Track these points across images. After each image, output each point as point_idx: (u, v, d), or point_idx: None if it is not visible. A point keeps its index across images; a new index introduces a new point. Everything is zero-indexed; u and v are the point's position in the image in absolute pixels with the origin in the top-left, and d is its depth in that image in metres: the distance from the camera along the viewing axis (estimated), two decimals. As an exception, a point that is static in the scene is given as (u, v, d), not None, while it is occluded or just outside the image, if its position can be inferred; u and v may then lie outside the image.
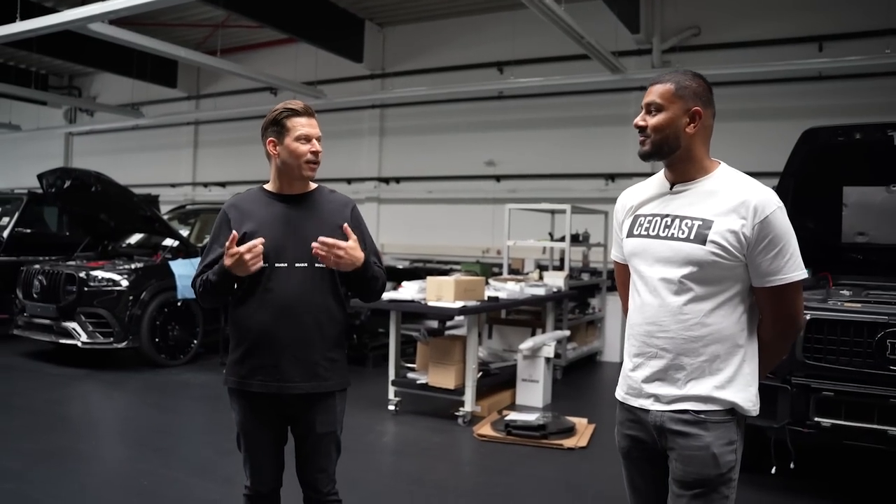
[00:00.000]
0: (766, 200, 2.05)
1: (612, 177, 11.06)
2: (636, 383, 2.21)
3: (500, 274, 8.66)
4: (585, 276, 9.06)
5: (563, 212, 8.35)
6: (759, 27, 10.04)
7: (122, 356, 8.02)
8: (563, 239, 8.45)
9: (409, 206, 12.99)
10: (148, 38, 10.31)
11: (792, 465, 4.21)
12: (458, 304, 5.81)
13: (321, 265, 2.61)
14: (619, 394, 2.32)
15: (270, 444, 2.74)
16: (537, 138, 11.79)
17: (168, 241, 8.58)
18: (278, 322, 2.60)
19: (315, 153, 2.64)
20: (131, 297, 7.62)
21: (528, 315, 8.03)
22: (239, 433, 2.75)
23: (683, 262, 2.10)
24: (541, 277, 7.88)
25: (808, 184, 4.94)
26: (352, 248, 2.57)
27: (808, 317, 4.06)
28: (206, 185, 15.16)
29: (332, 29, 12.08)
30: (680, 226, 2.12)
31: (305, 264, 2.62)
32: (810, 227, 4.95)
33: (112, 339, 7.53)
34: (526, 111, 11.87)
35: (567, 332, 7.70)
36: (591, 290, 9.17)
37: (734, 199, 2.07)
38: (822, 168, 4.93)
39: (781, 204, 2.07)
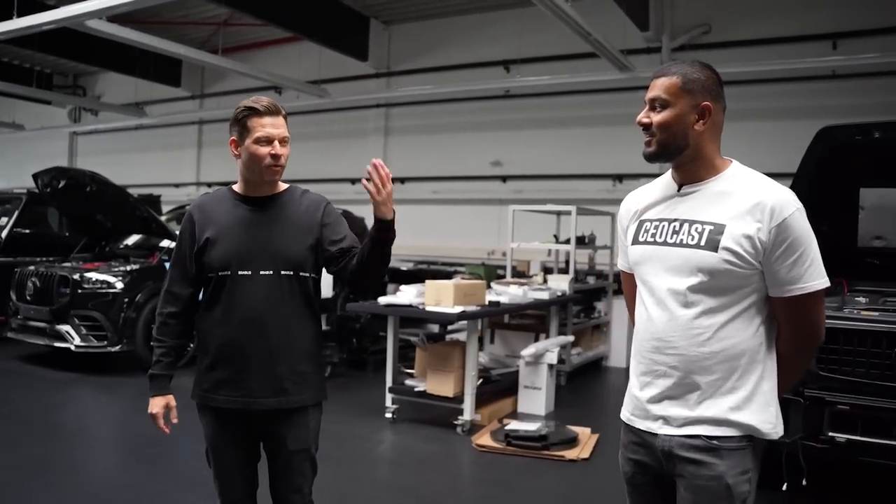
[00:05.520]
0: (784, 201, 1.86)
1: (619, 177, 10.87)
2: (643, 404, 2.02)
3: (505, 276, 8.47)
4: (591, 280, 8.86)
5: (569, 213, 8.15)
6: (772, 24, 9.82)
7: (117, 360, 7.85)
8: (568, 241, 8.25)
9: (414, 206, 12.78)
10: (150, 36, 10.21)
11: (804, 482, 4.01)
12: (458, 310, 5.63)
13: (288, 272, 2.45)
14: (625, 414, 2.12)
15: (241, 461, 2.58)
16: (544, 138, 11.61)
17: (165, 243, 8.42)
18: (242, 333, 2.44)
19: (276, 156, 2.44)
20: (126, 300, 7.47)
21: (531, 319, 7.84)
22: (208, 449, 2.59)
23: (693, 270, 1.90)
24: (545, 280, 7.70)
25: (822, 185, 4.70)
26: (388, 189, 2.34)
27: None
28: (209, 185, 15.03)
29: (336, 27, 11.95)
30: (689, 231, 1.93)
31: (271, 272, 2.45)
32: (825, 230, 4.71)
33: (106, 342, 7.38)
34: (533, 110, 11.69)
35: (571, 338, 7.51)
36: (597, 293, 8.98)
37: (748, 200, 1.88)
38: (837, 169, 4.71)
39: (801, 205, 1.88)
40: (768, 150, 8.65)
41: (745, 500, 1.92)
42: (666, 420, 1.97)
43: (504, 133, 11.96)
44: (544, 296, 6.94)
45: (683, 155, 1.96)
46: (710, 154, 1.97)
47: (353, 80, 13.08)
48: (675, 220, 1.98)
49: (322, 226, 2.54)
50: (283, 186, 2.59)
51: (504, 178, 11.88)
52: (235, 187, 2.59)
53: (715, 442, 1.90)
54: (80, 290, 7.43)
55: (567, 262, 8.67)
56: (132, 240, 9.20)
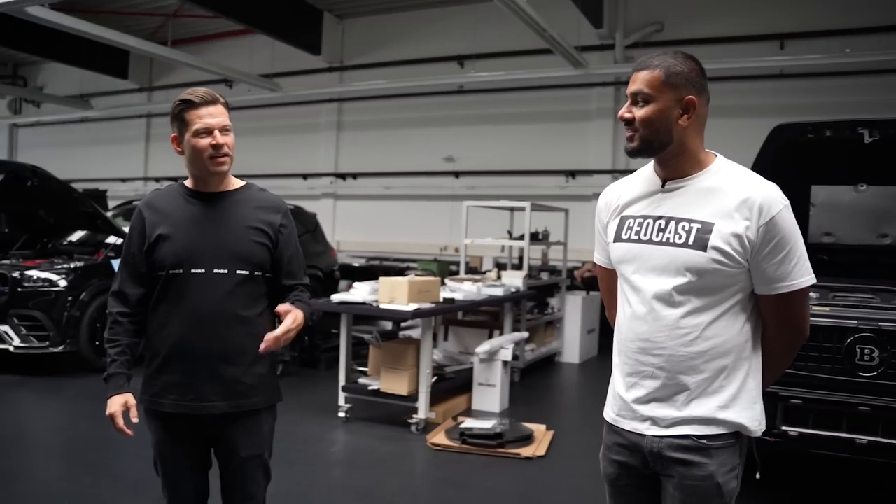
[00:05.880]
0: (772, 198, 1.84)
1: (572, 173, 10.93)
2: (629, 405, 1.98)
3: (458, 273, 8.43)
4: (545, 276, 8.87)
5: (523, 209, 8.13)
6: (722, 24, 9.98)
7: (60, 361, 7.59)
8: (522, 237, 8.23)
9: (367, 202, 12.74)
10: (94, 25, 9.95)
11: (758, 475, 4.04)
12: (412, 307, 5.56)
13: (243, 271, 2.37)
14: (609, 415, 2.06)
15: (190, 468, 2.47)
16: (498, 134, 11.62)
17: (111, 239, 8.18)
18: (194, 334, 2.33)
19: (217, 146, 2.33)
20: (70, 298, 7.21)
21: (485, 316, 7.80)
22: (155, 456, 2.48)
23: (681, 270, 1.86)
24: (499, 277, 7.67)
25: (776, 182, 4.75)
26: (295, 324, 2.30)
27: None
28: (157, 180, 14.72)
29: (289, 20, 11.79)
30: (676, 229, 1.88)
31: (226, 270, 2.35)
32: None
33: (48, 342, 7.11)
34: (486, 106, 11.69)
35: (525, 334, 7.49)
36: (551, 289, 8.99)
37: (735, 197, 1.84)
38: (790, 166, 4.76)
39: (787, 201, 1.86)
40: (718, 146, 8.75)
41: (733, 497, 1.92)
42: (654, 421, 1.93)
43: (457, 129, 11.94)
44: (498, 292, 6.90)
45: (667, 150, 1.90)
46: (694, 149, 1.92)
47: (305, 75, 12.95)
48: (661, 217, 1.92)
49: (279, 231, 2.46)
50: (238, 183, 2.50)
51: (457, 174, 11.85)
52: (187, 183, 2.48)
53: (704, 441, 1.88)
54: (20, 289, 7.14)
55: (520, 259, 8.66)
56: (76, 236, 8.91)
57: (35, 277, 7.24)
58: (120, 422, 2.36)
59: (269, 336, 2.24)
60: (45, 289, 7.20)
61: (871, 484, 4.65)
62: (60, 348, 7.14)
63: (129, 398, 2.39)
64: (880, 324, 3.65)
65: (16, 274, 7.20)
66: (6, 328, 7.10)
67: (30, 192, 7.77)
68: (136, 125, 15.34)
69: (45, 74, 16.36)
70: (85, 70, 13.75)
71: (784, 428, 3.86)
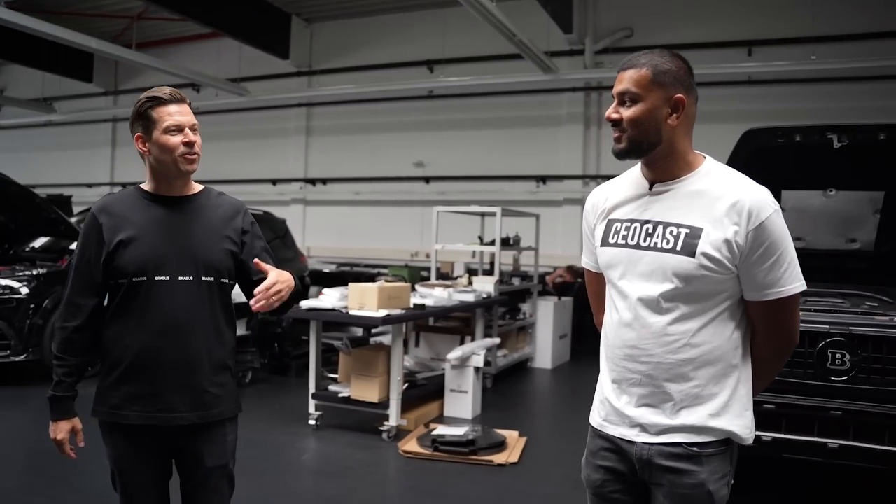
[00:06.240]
0: (762, 202, 1.79)
1: (543, 179, 10.94)
2: (618, 411, 1.93)
3: (429, 278, 8.38)
4: (516, 281, 8.84)
5: (494, 214, 8.11)
6: (691, 30, 10.07)
7: (23, 370, 7.41)
8: (493, 242, 8.21)
9: (337, 207, 12.65)
10: (56, 26, 9.75)
11: (731, 480, 4.04)
12: (382, 313, 5.50)
13: (208, 278, 2.29)
14: (596, 420, 2.01)
15: (152, 482, 2.38)
16: (468, 139, 11.61)
17: (75, 245, 8.01)
18: (160, 344, 2.25)
19: (189, 144, 2.26)
20: (32, 306, 7.04)
21: (456, 322, 7.76)
22: (113, 471, 2.39)
23: (668, 276, 1.82)
24: (470, 282, 7.64)
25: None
26: (282, 280, 2.20)
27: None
28: (124, 185, 14.49)
29: (257, 24, 11.69)
30: (664, 234, 1.84)
31: (190, 277, 2.27)
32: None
33: (9, 351, 6.93)
34: (456, 111, 11.68)
35: (497, 340, 7.45)
36: (522, 295, 8.97)
37: (725, 201, 1.79)
38: (760, 170, 4.79)
39: (778, 206, 1.81)
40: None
41: None
42: (643, 428, 1.89)
43: (427, 134, 11.91)
44: (469, 298, 6.87)
45: (656, 151, 1.86)
46: (683, 149, 1.88)
47: (273, 79, 12.86)
48: (648, 221, 1.88)
49: (243, 232, 2.41)
50: (198, 187, 2.43)
51: (427, 179, 11.82)
52: (145, 186, 2.38)
53: (695, 449, 1.84)
54: (-21, 297, 6.97)
55: (492, 264, 8.64)
56: (39, 242, 8.72)
57: (-5, 285, 7.06)
58: (67, 448, 2.37)
59: (259, 290, 2.13)
60: (6, 296, 7.02)
61: (843, 487, 4.67)
62: (22, 357, 6.96)
63: (76, 422, 2.38)
64: (851, 328, 3.66)
65: (-25, 281, 7.01)
66: (-35, 337, 6.91)
67: (-12, 197, 7.59)
68: (102, 129, 15.12)
69: (5, 77, 16.06)
70: (48, 73, 13.50)
71: (758, 433, 3.86)
